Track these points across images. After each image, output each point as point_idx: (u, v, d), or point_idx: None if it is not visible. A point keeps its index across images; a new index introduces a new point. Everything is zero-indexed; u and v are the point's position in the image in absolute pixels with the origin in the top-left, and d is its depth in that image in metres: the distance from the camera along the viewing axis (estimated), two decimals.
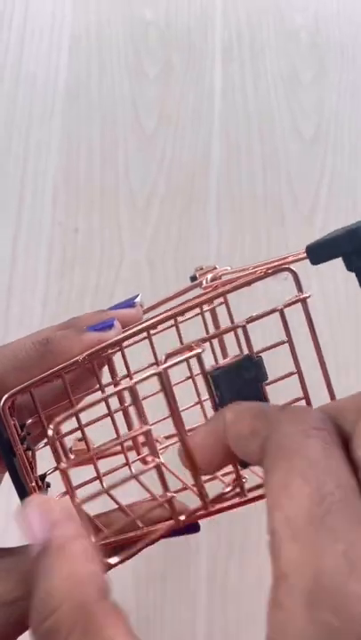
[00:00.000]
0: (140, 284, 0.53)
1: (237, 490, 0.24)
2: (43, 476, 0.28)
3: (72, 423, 0.26)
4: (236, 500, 0.24)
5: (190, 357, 0.22)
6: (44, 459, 0.28)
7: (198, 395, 0.32)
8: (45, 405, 0.28)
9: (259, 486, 0.24)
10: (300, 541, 0.15)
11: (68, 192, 0.56)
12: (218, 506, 0.24)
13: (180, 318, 0.31)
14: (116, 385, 0.30)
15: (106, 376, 0.30)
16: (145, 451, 0.31)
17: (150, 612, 0.46)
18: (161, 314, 0.26)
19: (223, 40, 0.61)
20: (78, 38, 0.60)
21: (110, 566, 0.21)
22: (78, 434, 0.28)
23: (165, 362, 0.22)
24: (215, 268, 0.30)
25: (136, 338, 0.28)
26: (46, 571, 0.18)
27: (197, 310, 0.31)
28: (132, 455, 0.31)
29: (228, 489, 0.24)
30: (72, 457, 0.27)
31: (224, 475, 0.26)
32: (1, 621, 0.23)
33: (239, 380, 0.23)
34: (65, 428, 0.26)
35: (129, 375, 0.31)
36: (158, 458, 0.22)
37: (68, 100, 0.58)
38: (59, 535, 0.19)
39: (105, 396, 0.23)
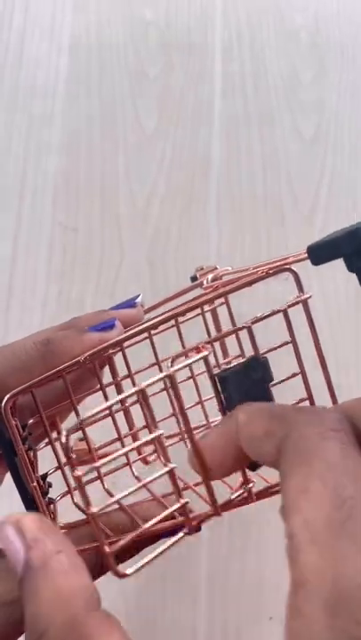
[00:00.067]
0: (140, 284, 0.53)
1: (245, 494, 0.24)
2: (44, 476, 0.28)
3: (72, 422, 0.26)
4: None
5: (199, 360, 0.22)
6: (45, 459, 0.28)
7: (199, 395, 0.32)
8: (47, 405, 0.28)
9: (267, 489, 0.24)
10: (319, 546, 0.15)
11: (68, 192, 0.56)
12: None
13: (180, 318, 0.31)
14: (117, 385, 0.30)
15: (107, 376, 0.30)
16: (145, 451, 0.31)
17: (150, 612, 0.46)
18: (162, 314, 0.26)
19: (223, 40, 0.61)
20: (78, 38, 0.60)
21: (126, 576, 0.21)
22: (79, 434, 0.28)
23: (172, 364, 0.22)
24: (216, 269, 0.30)
25: (137, 338, 0.28)
26: (31, 593, 0.18)
27: (198, 310, 0.31)
28: (133, 455, 0.31)
29: (237, 494, 0.23)
30: (73, 456, 0.27)
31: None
32: (1, 621, 0.23)
33: (247, 381, 0.23)
34: (64, 427, 0.25)
35: (130, 375, 0.31)
36: (170, 462, 0.22)
37: (68, 100, 0.58)
38: (37, 555, 0.19)
39: (115, 400, 0.23)
